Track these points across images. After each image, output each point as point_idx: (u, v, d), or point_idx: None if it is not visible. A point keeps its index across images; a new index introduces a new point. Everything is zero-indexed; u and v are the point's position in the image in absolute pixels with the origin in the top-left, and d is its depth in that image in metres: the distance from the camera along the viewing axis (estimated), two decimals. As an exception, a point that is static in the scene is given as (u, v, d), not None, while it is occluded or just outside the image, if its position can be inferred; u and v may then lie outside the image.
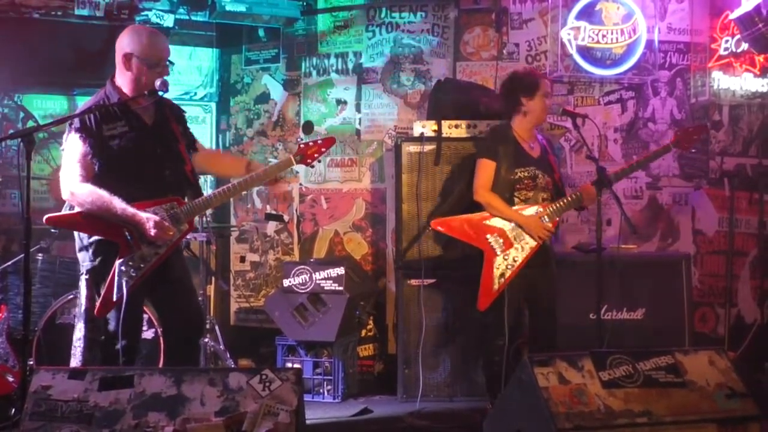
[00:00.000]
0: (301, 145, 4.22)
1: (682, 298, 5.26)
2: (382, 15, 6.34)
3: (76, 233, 3.90)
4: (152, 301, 4.23)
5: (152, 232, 3.74)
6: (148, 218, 3.75)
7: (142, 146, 3.89)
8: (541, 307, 4.69)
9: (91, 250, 3.83)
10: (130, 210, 3.74)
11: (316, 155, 4.21)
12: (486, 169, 4.63)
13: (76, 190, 3.75)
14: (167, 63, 3.95)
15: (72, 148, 3.80)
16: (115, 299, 3.73)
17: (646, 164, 5.10)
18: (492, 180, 4.62)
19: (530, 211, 4.57)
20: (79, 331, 3.91)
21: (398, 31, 6.31)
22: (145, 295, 3.99)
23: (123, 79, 3.92)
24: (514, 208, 4.59)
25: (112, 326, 3.82)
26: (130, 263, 3.77)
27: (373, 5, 6.36)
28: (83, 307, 3.89)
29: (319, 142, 4.20)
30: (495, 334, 4.60)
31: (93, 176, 3.78)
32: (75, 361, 3.93)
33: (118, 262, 3.75)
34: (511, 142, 4.65)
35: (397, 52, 6.30)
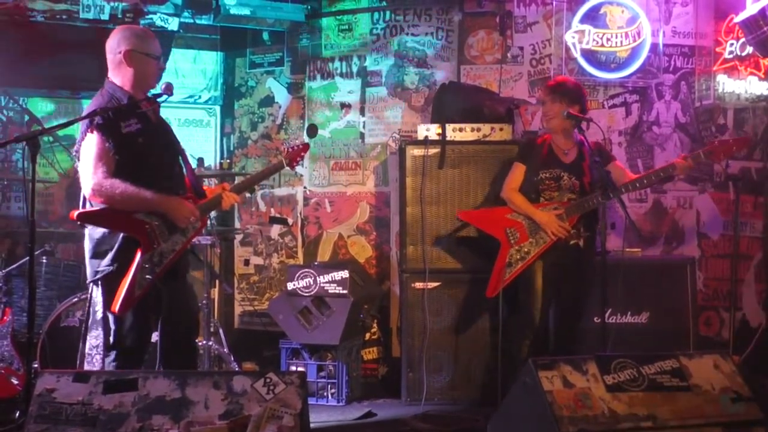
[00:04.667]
0: (288, 150, 4.53)
1: (686, 302, 5.24)
2: (387, 18, 6.34)
3: (89, 239, 3.88)
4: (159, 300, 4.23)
5: (186, 213, 3.84)
6: (180, 201, 3.83)
7: (153, 144, 3.93)
8: (563, 307, 4.74)
9: (109, 256, 3.79)
10: (159, 195, 3.78)
11: (298, 159, 4.53)
12: (515, 171, 4.83)
13: (104, 185, 3.73)
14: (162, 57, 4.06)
15: (92, 146, 3.78)
16: (137, 295, 3.73)
17: (657, 178, 5.04)
18: (520, 181, 4.78)
19: (549, 208, 4.63)
20: (95, 339, 3.88)
21: (402, 34, 6.31)
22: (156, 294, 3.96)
23: (123, 77, 3.92)
24: (538, 204, 4.68)
25: (126, 326, 3.81)
26: (153, 259, 3.79)
27: (378, 8, 6.36)
28: (100, 314, 3.86)
29: (299, 146, 4.56)
30: (522, 334, 4.65)
31: (114, 173, 3.78)
32: (93, 369, 3.90)
33: (139, 258, 3.75)
34: (543, 146, 4.78)
35: (402, 56, 6.30)
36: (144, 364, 3.96)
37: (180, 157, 4.10)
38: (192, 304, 4.24)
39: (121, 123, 3.81)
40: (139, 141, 3.85)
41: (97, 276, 3.83)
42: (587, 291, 4.73)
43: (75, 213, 3.78)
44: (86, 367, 3.89)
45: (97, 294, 3.87)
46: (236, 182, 4.20)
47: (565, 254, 4.64)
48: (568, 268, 4.67)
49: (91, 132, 3.78)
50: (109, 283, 3.79)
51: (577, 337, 4.75)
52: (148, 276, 3.76)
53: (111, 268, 3.79)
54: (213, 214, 5.20)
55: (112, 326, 3.82)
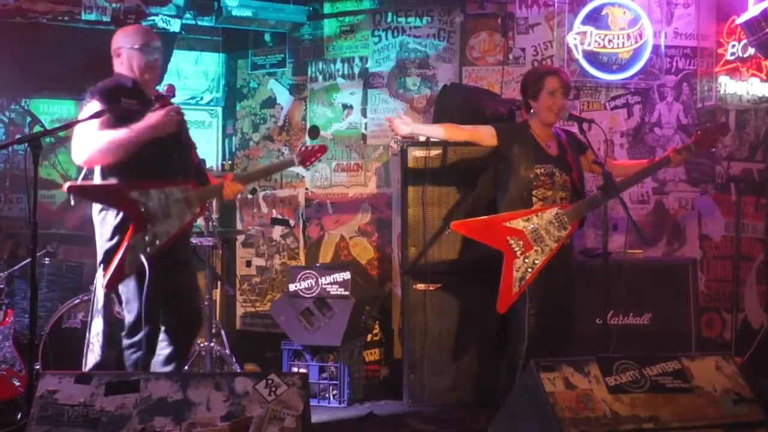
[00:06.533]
0: (302, 149, 4.59)
1: (688, 303, 5.24)
2: (388, 20, 6.35)
3: (95, 220, 3.94)
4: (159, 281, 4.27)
5: (163, 117, 3.84)
6: (155, 114, 3.85)
7: None
8: (557, 308, 4.59)
9: (109, 232, 3.86)
10: (139, 124, 3.82)
11: (313, 159, 4.60)
12: (484, 130, 4.70)
13: (93, 137, 3.79)
14: (155, 48, 4.06)
15: (91, 111, 3.83)
16: (126, 273, 3.78)
17: (653, 173, 5.02)
18: (479, 137, 4.69)
19: (551, 212, 4.50)
20: (96, 326, 3.93)
21: (404, 35, 6.32)
22: (162, 279, 3.96)
23: (127, 69, 4.04)
24: (533, 207, 4.51)
25: (132, 317, 3.87)
26: (146, 239, 3.83)
27: (380, 10, 6.37)
28: (101, 303, 3.91)
29: (316, 147, 4.61)
30: (517, 338, 4.59)
31: None
32: (93, 357, 3.95)
33: (130, 237, 3.79)
34: (527, 140, 4.61)
35: (403, 57, 6.31)
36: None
37: (186, 147, 4.15)
38: (195, 294, 4.26)
39: (122, 98, 3.89)
40: (137, 117, 3.88)
41: (104, 254, 3.89)
42: (575, 289, 4.69)
43: (66, 185, 3.80)
44: (87, 354, 3.93)
45: (101, 279, 3.94)
46: (244, 172, 4.24)
47: (556, 255, 4.50)
48: (558, 268, 4.54)
49: (92, 101, 3.86)
50: (107, 258, 3.87)
51: (572, 338, 4.68)
52: (139, 255, 3.79)
53: (111, 242, 3.86)
54: (215, 215, 5.21)
55: (129, 315, 3.89)
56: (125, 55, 4.01)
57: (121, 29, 4.16)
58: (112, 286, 3.84)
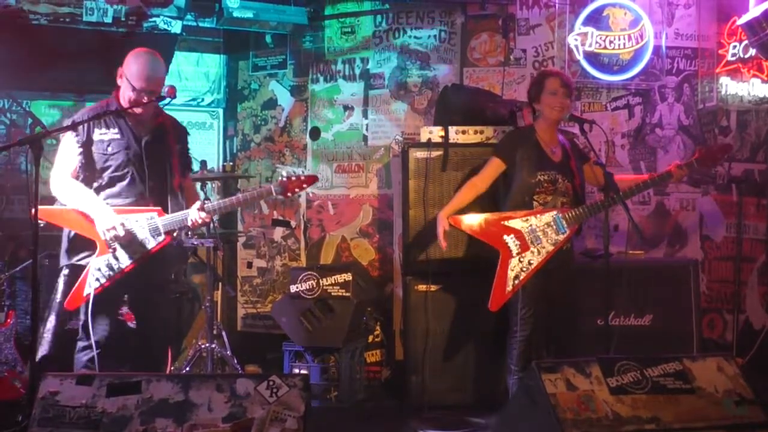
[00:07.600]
0: (284, 180, 4.20)
1: (689, 304, 5.23)
2: (389, 21, 6.35)
3: (64, 233, 4.11)
4: (130, 304, 4.34)
5: (100, 229, 3.93)
6: (105, 212, 3.93)
7: (129, 155, 4.06)
8: (558, 310, 4.60)
9: (72, 248, 4.04)
10: (93, 202, 3.96)
11: (296, 189, 4.23)
12: (491, 166, 4.67)
13: (61, 183, 4.00)
14: (149, 93, 4.04)
15: (64, 146, 4.04)
16: (84, 295, 3.91)
17: (654, 186, 5.01)
18: (491, 177, 4.65)
19: (549, 215, 4.48)
20: (49, 323, 4.08)
21: (405, 37, 6.32)
22: (120, 297, 4.14)
23: (120, 91, 4.13)
24: (534, 210, 4.51)
25: (81, 323, 4.02)
26: (105, 263, 3.94)
27: (380, 11, 6.37)
28: (57, 301, 4.06)
29: (302, 177, 4.24)
30: (514, 340, 4.57)
31: (78, 175, 4.03)
32: (42, 350, 4.05)
33: (92, 260, 3.94)
34: (531, 145, 4.60)
35: (404, 58, 6.31)
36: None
37: (165, 172, 4.17)
38: (158, 319, 4.29)
39: (96, 129, 4.02)
40: (110, 150, 4.03)
41: (62, 263, 4.08)
42: (578, 291, 4.68)
43: (32, 211, 3.87)
44: (39, 347, 4.04)
45: (60, 282, 4.15)
46: (215, 202, 4.22)
47: (553, 258, 4.50)
48: (556, 271, 4.54)
49: (67, 133, 4.01)
50: (71, 274, 4.04)
51: (575, 339, 4.68)
52: (99, 279, 3.93)
53: (71, 260, 4.03)
54: (215, 217, 5.21)
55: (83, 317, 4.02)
56: (124, 83, 4.07)
57: (135, 53, 4.12)
58: (72, 307, 3.99)
